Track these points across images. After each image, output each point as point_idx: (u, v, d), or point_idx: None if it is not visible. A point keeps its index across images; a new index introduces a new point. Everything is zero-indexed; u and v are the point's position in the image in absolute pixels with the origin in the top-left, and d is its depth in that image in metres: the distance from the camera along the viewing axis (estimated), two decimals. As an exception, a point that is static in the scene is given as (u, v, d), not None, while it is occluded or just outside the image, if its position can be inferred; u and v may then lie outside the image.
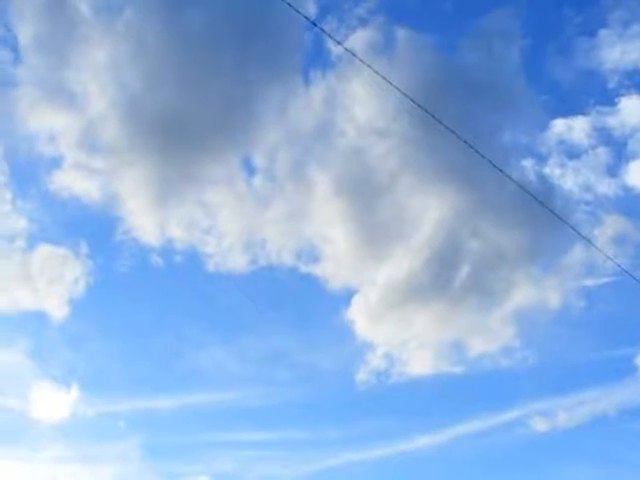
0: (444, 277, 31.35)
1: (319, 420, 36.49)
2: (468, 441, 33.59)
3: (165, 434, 37.73)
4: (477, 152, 12.94)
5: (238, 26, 28.71)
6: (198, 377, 37.13)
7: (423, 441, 33.39)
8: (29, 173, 32.13)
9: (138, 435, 37.44)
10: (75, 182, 30.50)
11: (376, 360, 32.16)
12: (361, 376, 32.61)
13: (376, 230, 31.29)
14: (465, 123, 28.21)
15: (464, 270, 30.92)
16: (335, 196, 30.69)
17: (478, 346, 32.28)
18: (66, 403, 35.63)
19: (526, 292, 32.07)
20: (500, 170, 13.66)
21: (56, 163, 30.52)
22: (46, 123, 30.03)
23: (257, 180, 31.38)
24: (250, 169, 31.20)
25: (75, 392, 34.93)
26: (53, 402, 36.02)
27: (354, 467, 34.90)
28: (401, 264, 31.37)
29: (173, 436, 37.87)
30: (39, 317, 33.75)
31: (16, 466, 37.36)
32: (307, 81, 31.03)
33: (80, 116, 29.94)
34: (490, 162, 13.22)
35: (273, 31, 28.88)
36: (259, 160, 31.06)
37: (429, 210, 30.70)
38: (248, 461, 36.76)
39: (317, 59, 31.65)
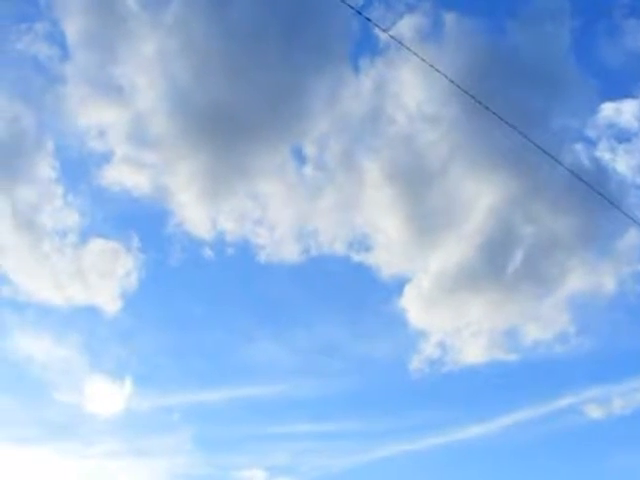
0: (497, 264, 31.01)
1: (372, 411, 36.33)
2: (521, 429, 33.24)
3: (217, 427, 37.85)
4: (526, 137, 12.64)
5: (285, 15, 28.60)
6: (250, 370, 37.18)
7: (476, 430, 33.11)
8: (80, 168, 32.34)
9: (190, 428, 37.60)
10: (125, 176, 30.61)
11: (429, 348, 31.92)
12: (414, 365, 32.39)
13: (428, 217, 31.03)
14: (515, 107, 27.94)
15: (517, 256, 30.56)
16: (386, 184, 30.48)
17: (532, 333, 31.91)
18: (119, 397, 35.87)
19: (580, 278, 31.63)
20: (551, 156, 13.34)
21: (106, 158, 30.65)
22: (95, 118, 30.17)
23: (308, 170, 31.25)
24: (300, 159, 31.07)
25: (128, 386, 35.15)
26: (106, 396, 36.29)
27: (407, 457, 34.74)
28: (454, 251, 31.09)
29: (225, 429, 37.98)
30: (92, 312, 33.97)
31: (69, 461, 37.70)
32: (356, 69, 30.81)
33: (129, 110, 30.03)
34: (540, 148, 12.95)
35: (321, 19, 28.75)
36: (309, 149, 30.91)
37: (481, 196, 30.38)
38: (301, 453, 36.76)
39: (365, 46, 31.39)
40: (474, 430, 32.94)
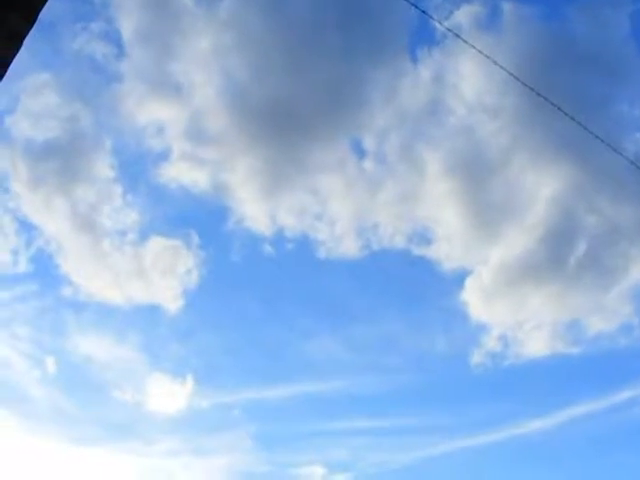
0: (559, 255, 30.59)
1: (431, 406, 36.10)
2: (583, 423, 32.74)
3: (277, 424, 37.90)
4: (585, 128, 12.32)
5: (342, 8, 28.45)
6: (309, 366, 37.15)
7: (537, 425, 32.67)
8: (138, 167, 32.49)
9: (250, 425, 37.68)
10: (184, 173, 30.69)
11: (491, 342, 31.58)
12: (475, 359, 32.07)
13: (489, 209, 30.71)
14: (575, 95, 27.50)
15: (580, 247, 30.11)
16: (446, 176, 30.21)
17: (595, 325, 31.44)
18: (179, 395, 36.05)
19: (644, 268, 31.12)
20: (611, 146, 13.00)
21: (164, 155, 30.75)
22: (153, 116, 30.28)
23: (367, 163, 31.05)
24: (360, 153, 30.87)
25: (188, 384, 35.30)
26: (166, 395, 36.48)
27: (467, 453, 34.42)
28: (515, 243, 30.74)
29: (285, 426, 38.01)
30: (152, 310, 34.15)
31: (129, 460, 37.97)
32: (414, 60, 30.52)
33: (186, 107, 30.11)
34: (599, 138, 12.60)
35: (377, 11, 28.51)
36: (369, 143, 30.70)
37: (543, 187, 29.98)
38: (361, 449, 36.65)
39: (423, 37, 31.09)
40: (535, 424, 32.53)
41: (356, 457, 35.93)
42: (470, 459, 33.82)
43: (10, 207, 30.71)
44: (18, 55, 7.46)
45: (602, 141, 12.52)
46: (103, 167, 30.17)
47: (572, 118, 12.26)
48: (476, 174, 30.28)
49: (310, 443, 36.21)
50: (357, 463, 36.21)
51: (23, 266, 33.05)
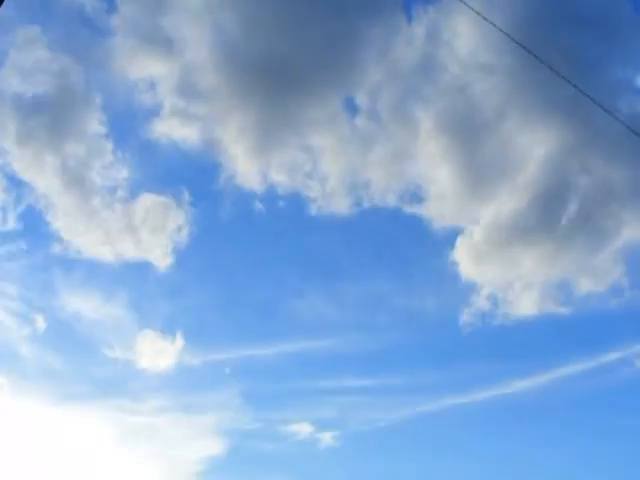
0: (551, 215, 30.58)
1: (420, 365, 36.27)
2: (571, 383, 32.99)
3: (266, 382, 38.08)
4: (579, 90, 12.19)
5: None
6: (298, 324, 37.25)
7: (525, 384, 32.90)
8: (129, 123, 32.25)
9: (239, 384, 37.86)
10: (175, 130, 30.52)
11: (480, 301, 31.69)
12: (465, 318, 32.20)
13: (481, 168, 30.62)
14: (570, 55, 27.29)
15: (572, 208, 30.09)
16: (439, 134, 30.07)
17: (585, 286, 31.52)
18: (170, 353, 36.14)
19: (636, 229, 31.06)
20: (604, 108, 12.85)
21: (155, 111, 30.53)
22: (143, 71, 30.03)
23: (360, 121, 30.87)
24: (352, 110, 30.68)
25: (179, 342, 35.38)
26: (157, 352, 36.57)
27: (454, 411, 34.65)
28: (507, 203, 30.70)
29: (274, 384, 38.19)
30: (142, 267, 34.10)
31: (119, 417, 38.12)
32: (409, 17, 30.26)
33: (178, 62, 29.84)
34: (593, 100, 12.46)
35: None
36: (361, 100, 30.51)
37: (536, 146, 29.89)
38: (349, 407, 36.87)
39: (418, -6, 30.88)
40: (523, 384, 32.76)
41: (344, 415, 36.18)
42: (457, 418, 34.06)
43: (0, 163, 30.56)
44: (6, 8, 7.33)
45: (595, 102, 12.41)
46: (93, 123, 29.97)
47: (566, 79, 12.15)
48: (469, 133, 30.16)
49: (298, 401, 36.44)
50: (345, 421, 36.48)
51: (12, 223, 32.97)
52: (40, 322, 35.18)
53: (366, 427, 35.62)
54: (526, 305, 32.09)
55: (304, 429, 35.14)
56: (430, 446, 35.69)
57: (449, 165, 30.64)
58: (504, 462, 33.52)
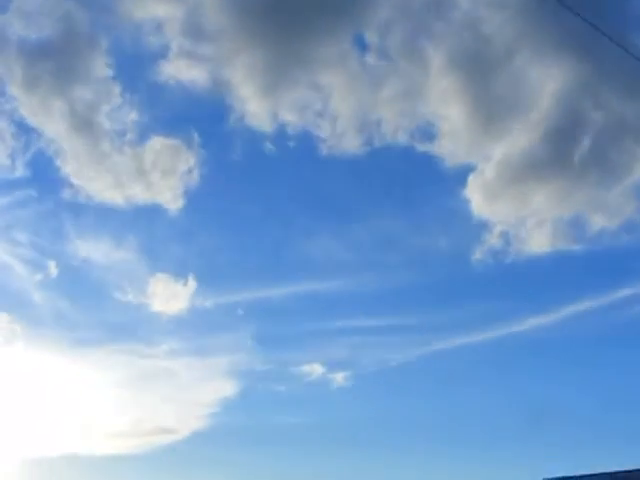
0: (564, 151, 30.37)
1: (431, 304, 36.37)
2: (582, 320, 33.10)
3: (277, 323, 38.29)
4: (593, 25, 11.95)
5: None
6: (308, 266, 37.29)
7: (537, 321, 33.01)
8: (135, 65, 31.94)
9: (251, 325, 38.05)
10: (183, 71, 30.23)
11: (493, 239, 31.64)
12: (477, 257, 32.19)
13: (493, 105, 30.34)
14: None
15: (584, 144, 29.85)
16: (450, 71, 29.70)
17: (598, 222, 31.43)
18: (182, 296, 36.25)
19: (650, 165, 31.02)
20: (617, 43, 12.59)
21: (162, 53, 30.18)
22: (150, 13, 29.68)
23: (370, 58, 30.45)
24: (362, 47, 30.25)
25: (191, 285, 35.45)
26: (170, 295, 36.68)
27: (465, 350, 34.83)
28: (519, 139, 30.47)
29: (285, 325, 38.41)
30: (153, 211, 34.04)
31: (132, 361, 38.39)
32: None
33: (184, 3, 29.44)
34: (605, 34, 12.20)
35: None
36: (371, 37, 30.09)
37: (548, 82, 29.52)
38: (359, 347, 37.09)
39: None
40: (536, 321, 32.87)
41: (355, 355, 36.43)
42: (470, 356, 34.24)
43: (7, 110, 30.30)
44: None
45: (608, 37, 12.19)
46: (100, 66, 29.66)
47: (578, 14, 11.96)
48: (481, 69, 29.79)
49: (310, 342, 36.67)
50: (356, 361, 36.72)
51: (22, 170, 32.85)
52: (51, 269, 35.31)
53: (378, 367, 35.91)
54: (539, 242, 32.02)
55: (316, 370, 35.44)
56: (443, 385, 35.99)
57: (461, 102, 30.33)
58: (518, 399, 33.80)
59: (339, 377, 35.36)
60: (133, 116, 30.94)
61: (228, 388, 37.39)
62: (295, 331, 36.86)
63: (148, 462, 39.35)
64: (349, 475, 39.41)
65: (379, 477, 38.80)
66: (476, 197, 31.43)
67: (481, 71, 29.73)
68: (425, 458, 36.30)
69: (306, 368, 35.65)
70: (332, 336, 36.29)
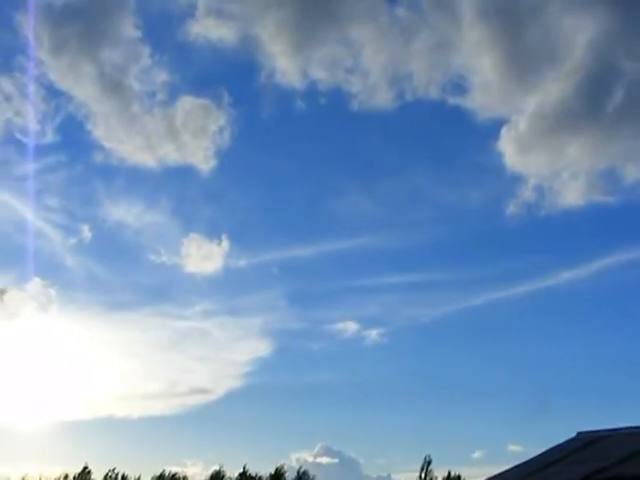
0: (597, 102, 30.03)
1: (463, 260, 36.30)
2: (618, 272, 32.84)
3: (310, 282, 38.43)
4: None
5: None
6: (340, 223, 37.33)
7: (571, 275, 32.84)
8: (163, 25, 31.89)
9: (284, 284, 38.24)
10: (211, 30, 30.17)
11: (526, 193, 31.45)
12: (510, 210, 32.01)
13: (525, 56, 29.98)
14: None
15: (618, 94, 29.50)
16: (482, 22, 29.38)
17: (633, 174, 31.16)
18: (217, 256, 36.46)
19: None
20: None
21: (190, 12, 30.11)
22: (176, -30, 29.46)
23: (400, 11, 30.28)
24: (392, 0, 30.00)
25: (225, 245, 35.62)
26: (204, 256, 36.89)
27: (498, 306, 34.81)
28: (552, 90, 30.15)
29: (318, 283, 38.55)
30: (185, 172, 34.17)
31: (166, 322, 38.67)
32: None
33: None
34: None
35: None
36: (401, -11, 29.75)
37: (581, 32, 29.13)
38: (393, 304, 37.18)
39: None
40: (570, 275, 32.76)
41: (388, 312, 36.55)
42: (501, 312, 34.22)
43: (35, 74, 30.43)
44: None
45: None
46: (128, 27, 29.68)
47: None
48: (512, 20, 29.41)
49: (343, 299, 36.82)
50: (389, 318, 36.87)
51: (52, 135, 33.02)
52: (84, 233, 35.70)
53: (410, 323, 36.03)
54: (573, 195, 31.82)
55: (350, 327, 35.63)
56: (476, 340, 36.00)
57: (492, 54, 30.03)
58: (552, 352, 33.70)
59: (373, 334, 35.60)
60: (162, 77, 31.02)
61: (262, 347, 37.80)
62: (328, 289, 37.11)
63: (184, 422, 39.97)
64: (384, 431, 39.64)
65: (413, 432, 39.04)
66: (509, 150, 31.27)
67: (513, 22, 29.40)
68: (459, 413, 36.49)
69: (340, 326, 35.91)
70: (365, 293, 36.48)
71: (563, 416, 34.27)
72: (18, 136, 43.26)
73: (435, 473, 49.87)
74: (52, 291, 40.72)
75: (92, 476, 52.44)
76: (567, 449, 14.75)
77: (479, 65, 30.33)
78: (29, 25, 29.13)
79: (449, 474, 51.62)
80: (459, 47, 30.70)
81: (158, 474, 52.97)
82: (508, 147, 30.77)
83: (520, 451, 39.07)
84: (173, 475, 53.33)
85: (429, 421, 40.42)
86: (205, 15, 29.63)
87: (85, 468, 51.88)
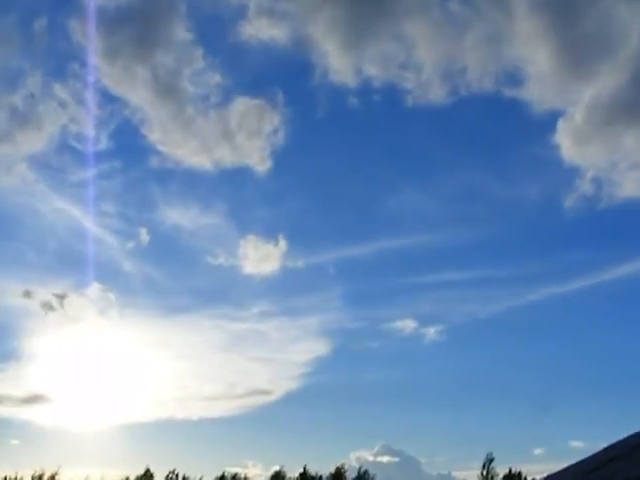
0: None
1: (520, 255, 35.75)
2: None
3: (367, 281, 38.22)
4: None
5: None
6: (395, 221, 37.05)
7: (629, 269, 32.13)
8: (215, 27, 31.98)
9: (341, 284, 38.08)
10: (263, 30, 30.15)
11: (584, 185, 30.85)
12: (568, 204, 31.41)
13: (581, 46, 29.44)
14: None
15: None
16: (536, 13, 28.95)
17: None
18: (274, 257, 36.45)
19: None
20: None
21: (241, 13, 30.14)
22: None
23: (453, 4, 29.89)
24: (444, -7, 29.71)
25: (282, 245, 35.59)
26: (261, 257, 36.91)
27: (556, 301, 34.20)
28: (608, 80, 29.56)
29: (375, 282, 38.31)
30: (241, 173, 34.23)
31: (223, 324, 38.80)
32: None
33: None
34: None
35: None
36: (452, -17, 29.47)
37: (636, 20, 28.49)
38: (450, 301, 36.80)
39: None
40: (627, 269, 32.08)
41: (446, 309, 36.19)
42: (559, 307, 33.64)
43: (90, 81, 30.73)
44: None
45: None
46: (180, 31, 29.80)
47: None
48: (567, 9, 28.92)
49: (401, 297, 36.54)
50: (446, 315, 36.52)
51: (106, 142, 33.30)
52: (140, 237, 35.97)
53: (468, 319, 35.63)
54: (632, 186, 31.16)
55: (408, 325, 35.33)
56: (534, 336, 35.44)
57: (547, 44, 29.57)
58: (612, 349, 33.02)
59: (431, 331, 35.26)
60: (216, 79, 31.16)
61: (320, 347, 37.70)
62: (385, 287, 36.91)
63: (243, 424, 40.07)
64: (443, 429, 39.24)
65: (474, 430, 38.60)
66: (566, 143, 30.74)
67: (567, 11, 28.91)
68: (520, 409, 35.94)
69: (398, 324, 35.64)
70: (422, 291, 36.23)
71: (626, 411, 33.58)
72: (73, 143, 43.90)
73: (497, 470, 49.44)
74: (111, 295, 41.27)
75: (154, 478, 52.94)
76: (630, 444, 14.37)
77: (534, 56, 29.90)
78: (83, 31, 29.45)
79: (510, 471, 51.14)
80: (513, 39, 30.31)
81: (219, 475, 53.24)
82: (564, 139, 30.27)
83: (582, 447, 38.51)
84: (234, 476, 53.57)
85: (489, 418, 40.02)
86: (257, 15, 29.66)
87: (147, 471, 52.41)
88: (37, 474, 54.91)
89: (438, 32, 29.69)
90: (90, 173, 37.24)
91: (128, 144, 35.05)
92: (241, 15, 29.59)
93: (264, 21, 29.15)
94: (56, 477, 53.60)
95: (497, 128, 34.23)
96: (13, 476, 54.38)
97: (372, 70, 29.99)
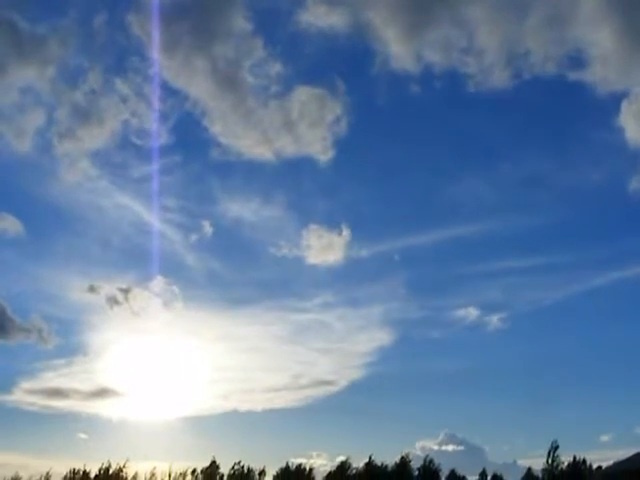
0: None
1: (584, 240, 35.23)
2: None
3: (429, 269, 38.13)
4: None
5: None
6: (456, 209, 36.80)
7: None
8: (274, 16, 32.00)
9: (403, 273, 38.01)
10: (322, 18, 30.12)
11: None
12: (634, 186, 30.84)
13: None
14: None
15: None
16: (597, -7, 28.40)
17: None
18: (338, 246, 36.46)
19: None
20: None
21: (300, 1, 30.16)
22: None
23: (513, -14, 29.58)
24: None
25: (346, 234, 35.53)
26: (325, 247, 36.95)
27: (621, 286, 33.61)
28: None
29: (437, 271, 38.19)
30: (304, 163, 34.22)
31: (286, 316, 39.08)
32: None
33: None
34: None
35: None
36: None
37: None
38: (513, 288, 36.47)
39: None
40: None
41: (509, 296, 35.86)
42: (625, 292, 33.04)
43: (150, 74, 30.94)
44: None
45: None
46: (240, 21, 29.87)
47: None
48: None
49: (463, 286, 36.33)
50: (510, 302, 36.19)
51: (167, 136, 33.44)
52: (202, 231, 36.20)
53: (532, 307, 35.30)
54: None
55: (471, 313, 35.10)
56: (600, 322, 34.90)
57: (610, 25, 29.14)
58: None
59: (494, 319, 34.97)
60: (276, 68, 31.22)
61: (383, 337, 37.61)
62: (448, 276, 36.82)
63: (307, 414, 40.20)
64: (508, 417, 38.87)
65: (538, 418, 38.17)
66: (630, 125, 30.26)
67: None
68: (585, 396, 35.49)
69: (461, 312, 35.49)
70: (485, 279, 36.03)
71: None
72: (134, 139, 44.14)
73: (562, 458, 48.78)
74: (175, 289, 41.65)
75: (219, 470, 53.24)
76: None
77: (596, 38, 29.47)
78: (141, 26, 29.71)
79: (574, 459, 50.54)
80: (575, 20, 29.93)
81: (283, 466, 53.37)
82: (629, 121, 29.73)
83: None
84: (298, 466, 53.70)
85: (554, 406, 39.58)
86: (315, 3, 29.67)
87: (213, 462, 52.79)
88: (104, 467, 55.63)
89: (499, 16, 29.38)
90: (152, 168, 37.81)
91: (189, 137, 35.50)
92: (299, 3, 29.64)
93: (323, 8, 29.18)
94: (123, 470, 54.21)
95: (560, 112, 33.89)
96: (81, 469, 55.13)
97: (433, 56, 29.80)
